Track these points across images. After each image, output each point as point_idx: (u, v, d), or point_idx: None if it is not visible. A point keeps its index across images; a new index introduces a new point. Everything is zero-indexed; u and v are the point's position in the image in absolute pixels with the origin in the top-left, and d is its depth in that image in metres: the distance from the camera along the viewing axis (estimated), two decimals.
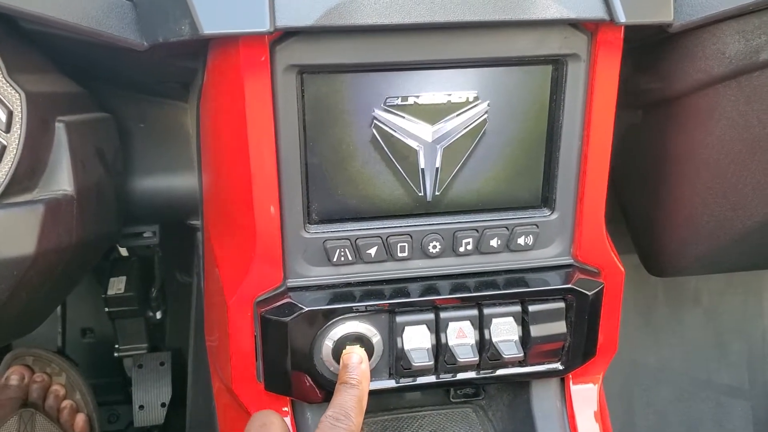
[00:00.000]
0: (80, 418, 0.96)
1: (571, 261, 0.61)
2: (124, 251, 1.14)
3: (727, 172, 0.66)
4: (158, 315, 1.14)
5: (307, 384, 0.57)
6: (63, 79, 0.59)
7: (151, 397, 1.07)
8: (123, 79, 0.70)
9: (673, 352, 1.23)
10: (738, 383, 1.25)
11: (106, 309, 1.09)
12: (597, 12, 0.52)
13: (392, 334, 0.57)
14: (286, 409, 0.60)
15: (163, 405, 1.08)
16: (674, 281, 1.18)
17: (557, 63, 0.55)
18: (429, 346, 0.57)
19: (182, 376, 1.00)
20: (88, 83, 0.64)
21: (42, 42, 0.56)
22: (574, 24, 0.53)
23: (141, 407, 1.09)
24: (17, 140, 0.51)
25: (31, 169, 0.53)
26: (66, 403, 0.98)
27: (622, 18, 0.51)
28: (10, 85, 0.50)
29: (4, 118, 0.50)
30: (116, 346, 1.13)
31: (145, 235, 0.80)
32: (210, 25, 0.47)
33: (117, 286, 1.10)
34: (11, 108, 0.51)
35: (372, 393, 0.58)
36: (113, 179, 0.66)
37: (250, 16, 0.47)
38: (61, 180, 0.55)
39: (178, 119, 0.74)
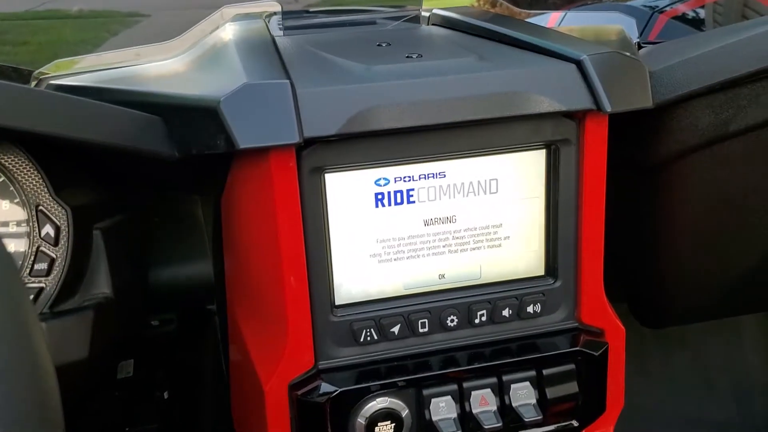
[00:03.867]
0: None
1: (576, 324, 0.66)
2: None
3: (708, 231, 0.73)
4: (165, 395, 1.15)
5: None
6: (95, 187, 0.63)
7: None
8: (142, 180, 0.74)
9: (665, 393, 1.28)
10: (728, 418, 1.30)
11: (116, 393, 1.10)
12: (585, 103, 0.58)
13: (420, 407, 0.61)
14: None
15: None
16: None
17: (551, 148, 0.61)
18: (455, 415, 0.61)
19: None
20: (111, 187, 0.68)
21: (75, 157, 0.60)
22: (565, 113, 0.60)
23: None
24: (65, 252, 0.55)
25: (75, 276, 0.57)
26: None
27: (608, 108, 0.58)
28: (57, 202, 0.54)
29: (52, 233, 0.54)
30: (126, 429, 1.14)
31: (157, 323, 0.83)
32: (245, 140, 0.52)
33: (126, 369, 1.12)
34: (59, 223, 0.55)
35: None
36: (140, 275, 0.70)
37: (281, 130, 0.52)
38: (101, 284, 0.59)
39: (190, 211, 0.78)
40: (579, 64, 0.59)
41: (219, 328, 0.80)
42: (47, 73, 0.78)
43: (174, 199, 0.79)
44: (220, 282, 0.73)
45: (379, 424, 0.59)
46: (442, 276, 0.63)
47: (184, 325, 0.87)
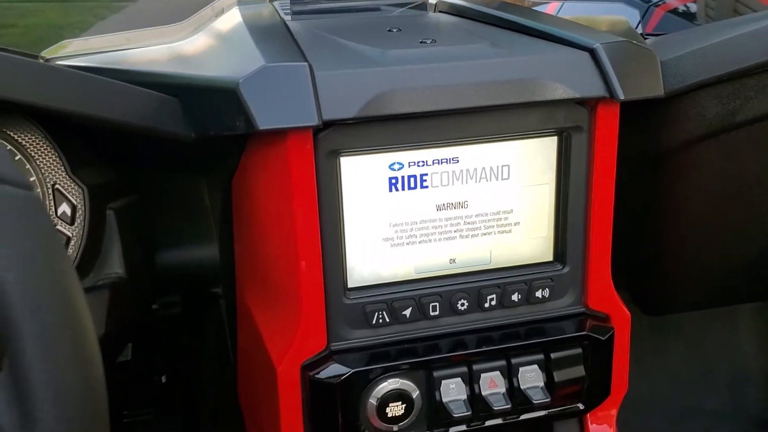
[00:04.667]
0: None
1: (583, 309, 0.67)
2: None
3: (712, 221, 0.74)
4: (163, 379, 1.16)
5: None
6: (108, 167, 0.64)
7: None
8: (152, 161, 0.74)
9: (661, 382, 1.30)
10: (723, 408, 1.32)
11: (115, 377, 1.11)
12: (598, 91, 0.59)
13: (430, 388, 0.62)
14: None
15: None
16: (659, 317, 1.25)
17: (562, 135, 0.62)
18: (465, 397, 0.62)
19: None
20: (122, 168, 0.68)
21: (90, 136, 0.61)
22: (578, 101, 0.60)
23: None
24: (81, 231, 0.55)
25: (90, 256, 0.57)
26: None
27: (621, 96, 0.58)
28: (74, 181, 0.55)
29: (69, 212, 0.55)
30: (124, 412, 1.14)
31: (156, 307, 0.83)
32: (264, 122, 0.53)
33: (124, 353, 1.12)
34: (75, 202, 0.55)
35: None
36: (149, 257, 0.70)
37: (300, 112, 0.53)
38: (114, 263, 0.59)
39: (196, 194, 0.78)
40: (592, 53, 0.59)
41: (225, 311, 0.80)
42: (53, 55, 0.78)
43: (180, 181, 0.79)
44: (228, 265, 0.73)
45: (390, 404, 0.60)
46: (452, 261, 0.64)
47: (188, 308, 0.87)
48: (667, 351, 1.28)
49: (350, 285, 0.61)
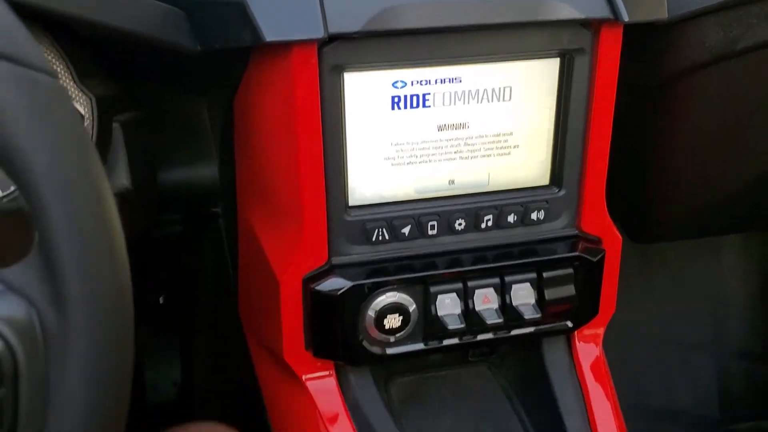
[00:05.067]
0: None
1: (576, 232, 0.69)
2: None
3: (707, 150, 0.75)
4: (161, 300, 1.18)
5: (352, 350, 0.64)
6: (113, 80, 0.64)
7: (161, 377, 1.11)
8: (154, 73, 0.74)
9: (644, 313, 1.34)
10: (704, 339, 1.37)
11: None
12: (603, 12, 0.59)
13: (426, 302, 0.64)
14: (331, 372, 0.66)
15: (174, 384, 1.13)
16: (645, 249, 1.28)
17: (565, 57, 0.62)
18: (459, 311, 0.64)
19: (188, 356, 1.06)
20: (126, 82, 0.68)
21: (95, 46, 0.61)
22: (582, 22, 0.61)
23: (153, 387, 1.14)
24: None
25: None
26: None
27: (625, 17, 0.59)
28: (82, 90, 0.55)
29: None
30: None
31: (165, 225, 0.84)
32: (271, 34, 0.53)
33: None
34: (83, 112, 0.55)
35: (402, 356, 0.65)
36: (151, 174, 0.71)
37: (306, 24, 0.53)
38: (121, 176, 0.60)
39: (196, 112, 0.79)
40: None
41: (224, 230, 0.82)
42: None
43: (181, 101, 0.79)
44: (228, 184, 0.74)
45: (387, 316, 0.62)
46: (451, 182, 0.65)
47: (187, 227, 0.89)
48: (653, 283, 1.31)
49: (351, 203, 0.63)
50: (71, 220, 0.30)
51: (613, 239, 0.70)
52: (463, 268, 0.65)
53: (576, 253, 0.68)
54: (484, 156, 0.65)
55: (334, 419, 0.64)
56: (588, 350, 0.72)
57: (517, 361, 0.75)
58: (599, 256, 0.69)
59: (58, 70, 0.55)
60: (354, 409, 0.65)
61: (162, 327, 1.18)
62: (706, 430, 1.38)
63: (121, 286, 0.32)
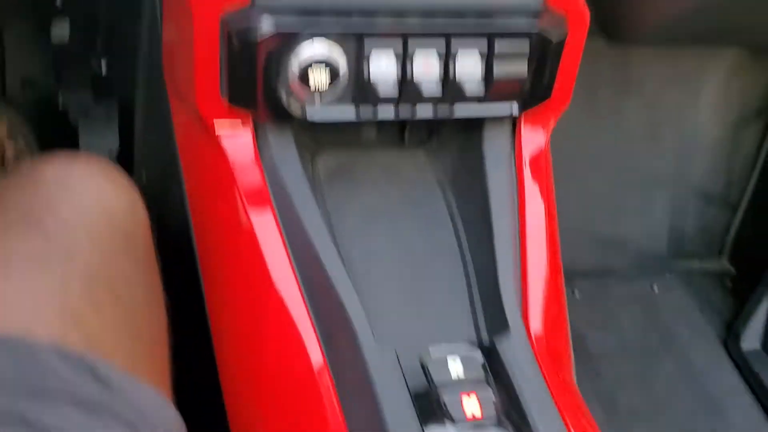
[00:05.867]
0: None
1: (540, 7, 0.61)
2: None
3: None
4: (103, 67, 1.10)
5: (270, 102, 0.58)
6: None
7: (98, 144, 1.06)
8: None
9: (609, 140, 1.29)
10: (663, 175, 1.34)
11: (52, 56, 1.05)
12: None
13: (359, 60, 0.57)
14: (247, 124, 0.60)
15: (110, 152, 1.08)
16: (621, 69, 1.20)
17: None
18: (395, 78, 0.58)
19: (128, 125, 1.00)
20: None
21: None
22: None
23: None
24: None
25: None
26: (9, 148, 0.97)
27: None
28: None
29: None
30: (59, 92, 1.10)
31: None
32: None
33: (61, 33, 1.05)
34: None
35: (331, 126, 0.60)
36: None
37: None
38: None
39: None
40: None
41: None
42: None
43: None
44: None
45: (313, 66, 0.56)
46: None
47: None
48: (623, 109, 1.25)
49: None
50: None
51: (580, 18, 0.63)
52: (404, 25, 0.57)
53: (536, 30, 0.60)
54: None
55: (245, 172, 0.59)
56: (532, 139, 0.67)
57: (456, 149, 0.70)
58: (561, 38, 0.62)
59: None
60: (270, 170, 0.60)
61: (100, 92, 1.11)
62: (652, 264, 1.39)
63: None
